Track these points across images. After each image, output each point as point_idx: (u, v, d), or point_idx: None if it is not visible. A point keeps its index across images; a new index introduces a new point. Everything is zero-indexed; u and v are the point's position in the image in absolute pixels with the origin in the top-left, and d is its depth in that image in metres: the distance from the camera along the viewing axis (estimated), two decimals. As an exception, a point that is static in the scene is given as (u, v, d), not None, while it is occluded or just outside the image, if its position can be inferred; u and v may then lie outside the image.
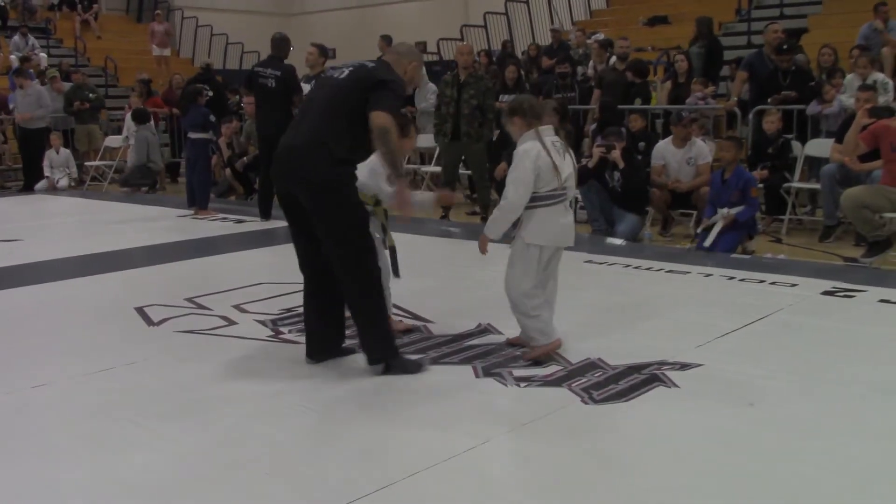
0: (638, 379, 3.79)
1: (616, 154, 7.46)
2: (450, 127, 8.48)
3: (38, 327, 4.90)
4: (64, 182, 12.30)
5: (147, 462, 3.07)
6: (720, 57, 10.55)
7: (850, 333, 4.51)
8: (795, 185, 8.03)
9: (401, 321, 4.69)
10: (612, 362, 4.00)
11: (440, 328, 4.63)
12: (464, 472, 2.96)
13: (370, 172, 4.21)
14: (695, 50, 10.38)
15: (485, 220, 8.23)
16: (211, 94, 10.45)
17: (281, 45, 8.56)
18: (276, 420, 3.44)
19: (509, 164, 4.14)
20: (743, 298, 5.21)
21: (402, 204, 3.91)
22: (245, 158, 10.80)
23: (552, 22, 16.19)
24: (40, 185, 12.10)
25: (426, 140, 9.89)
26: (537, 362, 4.03)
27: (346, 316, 4.10)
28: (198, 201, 9.31)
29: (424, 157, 11.43)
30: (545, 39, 14.78)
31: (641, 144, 8.31)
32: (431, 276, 5.89)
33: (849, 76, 8.50)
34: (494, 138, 8.68)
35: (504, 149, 7.78)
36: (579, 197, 7.41)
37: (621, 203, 7.59)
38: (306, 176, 3.79)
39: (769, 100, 8.60)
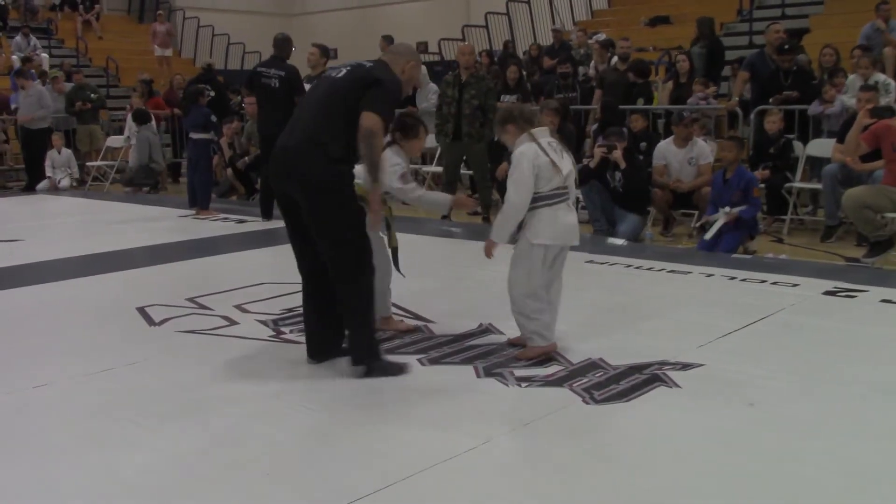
0: (639, 379, 3.79)
1: (617, 154, 7.46)
2: (451, 127, 8.48)
3: (38, 327, 4.90)
4: (65, 182, 12.32)
5: (147, 462, 3.07)
6: (721, 57, 10.55)
7: (852, 333, 4.50)
8: (797, 185, 8.02)
9: (402, 321, 4.70)
10: (613, 362, 4.00)
11: (441, 328, 4.63)
12: (464, 472, 2.96)
13: None
14: (696, 50, 10.38)
15: (486, 220, 8.28)
16: (212, 94, 10.48)
17: (283, 45, 8.57)
18: (276, 420, 3.43)
19: (510, 164, 4.14)
20: (744, 298, 5.20)
21: (372, 211, 3.89)
22: (246, 158, 10.81)
23: (553, 22, 16.19)
24: (42, 185, 12.11)
25: (427, 140, 9.83)
26: (538, 362, 4.02)
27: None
28: (199, 201, 9.32)
29: (426, 157, 11.42)
30: (546, 39, 14.79)
31: (643, 144, 8.30)
32: (432, 276, 5.89)
33: (851, 77, 8.49)
34: (496, 138, 8.67)
35: (505, 149, 7.71)
36: (581, 197, 7.41)
37: (623, 203, 7.59)
38: (302, 175, 3.78)
39: (770, 100, 8.59)
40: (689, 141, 7.81)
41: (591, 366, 3.98)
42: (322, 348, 4.09)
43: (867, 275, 5.81)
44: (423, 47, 16.44)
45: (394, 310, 4.71)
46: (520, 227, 4.08)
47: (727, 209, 6.81)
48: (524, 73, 11.79)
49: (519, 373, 3.91)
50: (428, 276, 5.79)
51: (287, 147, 3.86)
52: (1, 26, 18.61)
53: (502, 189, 6.62)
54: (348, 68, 3.95)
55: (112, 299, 5.49)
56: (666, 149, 7.91)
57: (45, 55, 16.90)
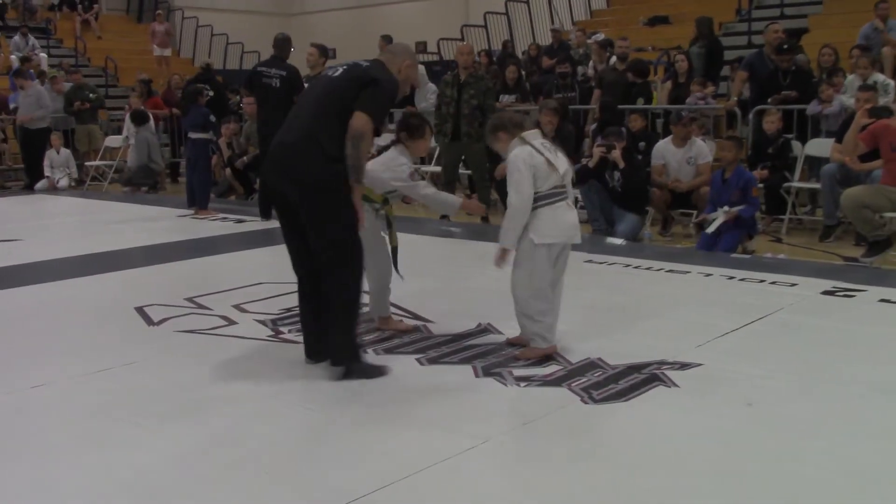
0: (638, 379, 3.79)
1: (616, 154, 7.46)
2: (450, 127, 8.48)
3: (38, 327, 4.90)
4: (64, 182, 12.31)
5: (146, 462, 3.06)
6: (720, 57, 10.55)
7: (850, 333, 4.51)
8: (795, 184, 8.03)
9: (401, 321, 4.69)
10: (611, 362, 4.00)
11: (440, 328, 4.63)
12: (463, 472, 2.96)
13: (384, 167, 4.21)
14: (695, 50, 10.38)
15: (485, 220, 8.28)
16: (211, 94, 10.45)
17: (283, 45, 8.57)
18: (275, 420, 3.43)
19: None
20: (743, 298, 5.21)
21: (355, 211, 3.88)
22: (245, 158, 10.80)
23: (552, 22, 16.18)
24: (40, 184, 12.10)
25: (427, 140, 9.87)
26: (537, 362, 4.03)
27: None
28: (198, 201, 9.31)
29: (425, 156, 11.40)
30: (545, 39, 14.78)
31: (642, 144, 8.31)
32: (431, 276, 5.89)
33: (850, 77, 8.50)
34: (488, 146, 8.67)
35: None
36: (579, 196, 7.41)
37: (621, 203, 7.60)
38: (299, 173, 3.77)
39: (769, 100, 8.60)
40: (687, 141, 7.81)
41: (590, 365, 3.98)
42: (319, 348, 4.08)
43: (866, 274, 5.81)
44: (421, 47, 16.46)
45: (393, 309, 4.71)
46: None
47: (726, 208, 6.82)
48: (523, 72, 11.79)
49: (518, 372, 3.91)
50: (427, 276, 5.79)
51: (284, 144, 3.85)
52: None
53: (501, 189, 6.63)
54: (345, 67, 3.96)
55: (111, 299, 5.49)
56: (665, 148, 7.91)
57: (43, 55, 16.88)
